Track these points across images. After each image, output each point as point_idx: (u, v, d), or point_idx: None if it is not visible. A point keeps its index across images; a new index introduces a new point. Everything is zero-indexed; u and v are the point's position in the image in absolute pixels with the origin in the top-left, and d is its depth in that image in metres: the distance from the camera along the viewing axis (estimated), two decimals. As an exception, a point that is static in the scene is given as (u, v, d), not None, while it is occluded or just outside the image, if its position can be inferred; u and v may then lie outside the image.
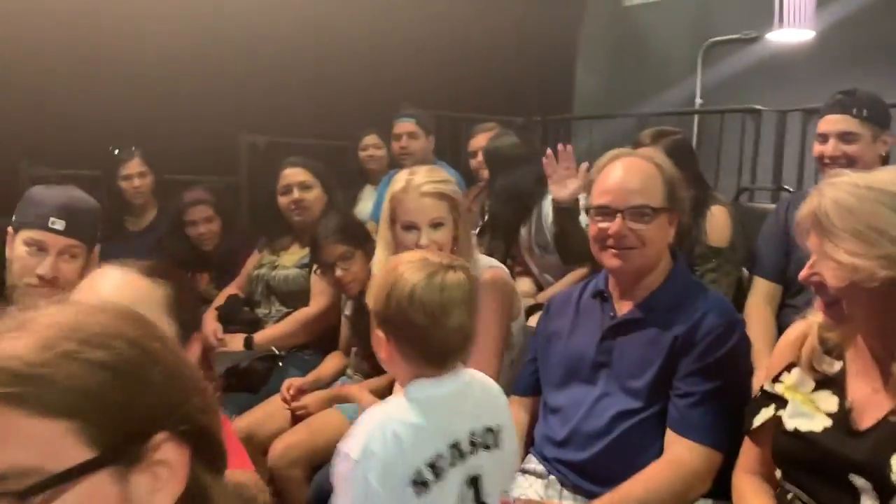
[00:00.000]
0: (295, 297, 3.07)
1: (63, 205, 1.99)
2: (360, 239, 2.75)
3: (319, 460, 2.40)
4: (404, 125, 3.99)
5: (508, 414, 1.58)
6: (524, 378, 2.10)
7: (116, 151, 3.62)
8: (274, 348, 2.95)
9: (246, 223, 3.44)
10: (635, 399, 1.80)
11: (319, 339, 3.00)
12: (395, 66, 5.04)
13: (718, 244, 2.63)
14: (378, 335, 1.44)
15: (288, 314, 3.05)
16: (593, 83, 6.39)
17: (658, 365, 1.79)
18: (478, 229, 3.28)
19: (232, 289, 3.30)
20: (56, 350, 0.70)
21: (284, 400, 2.67)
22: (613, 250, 1.85)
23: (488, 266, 2.28)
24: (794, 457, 1.49)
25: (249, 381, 2.85)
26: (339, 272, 2.70)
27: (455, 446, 1.43)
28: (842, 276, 1.33)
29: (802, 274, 1.42)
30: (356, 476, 1.32)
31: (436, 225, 2.16)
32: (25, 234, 1.99)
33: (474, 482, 1.45)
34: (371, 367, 2.68)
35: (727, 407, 1.72)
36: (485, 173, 3.59)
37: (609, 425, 1.80)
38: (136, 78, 4.22)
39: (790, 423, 1.50)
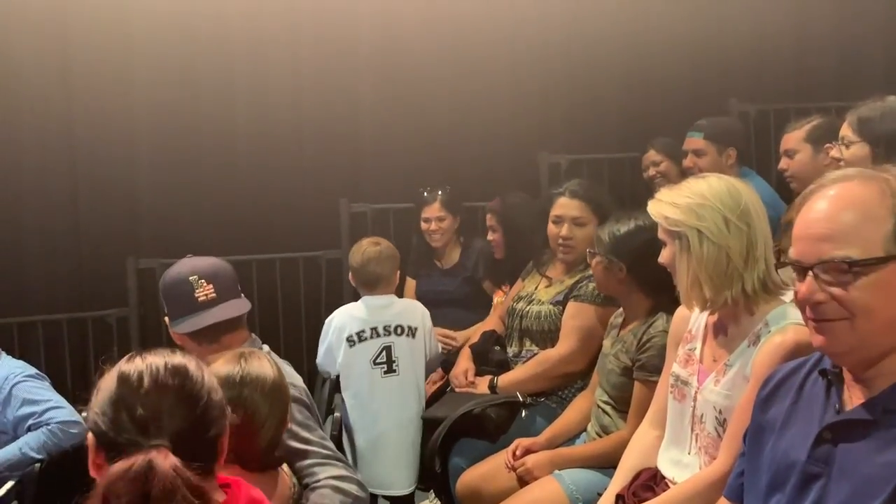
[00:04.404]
0: (547, 337, 2.80)
1: None
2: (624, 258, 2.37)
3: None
4: (690, 141, 3.43)
5: (424, 323, 3.04)
6: (732, 478, 1.58)
7: (425, 192, 3.75)
8: (518, 394, 2.72)
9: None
10: (853, 543, 1.21)
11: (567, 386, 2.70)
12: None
13: None
14: None
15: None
16: None
17: (883, 499, 1.18)
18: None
19: (491, 322, 3.16)
20: None
21: (508, 462, 2.44)
22: (813, 323, 1.31)
23: (792, 322, 1.75)
24: None
25: (483, 428, 2.66)
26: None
27: (374, 328, 2.95)
28: None
29: None
30: (326, 327, 3.04)
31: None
32: None
33: (387, 349, 2.94)
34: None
35: None
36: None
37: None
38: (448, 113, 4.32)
39: None
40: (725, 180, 1.89)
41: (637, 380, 2.26)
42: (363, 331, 2.95)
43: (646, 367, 2.23)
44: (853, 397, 1.32)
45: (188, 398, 1.20)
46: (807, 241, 1.29)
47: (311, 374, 3.63)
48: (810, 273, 1.27)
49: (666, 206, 1.89)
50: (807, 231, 1.29)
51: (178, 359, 1.24)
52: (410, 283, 3.79)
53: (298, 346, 3.96)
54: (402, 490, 2.93)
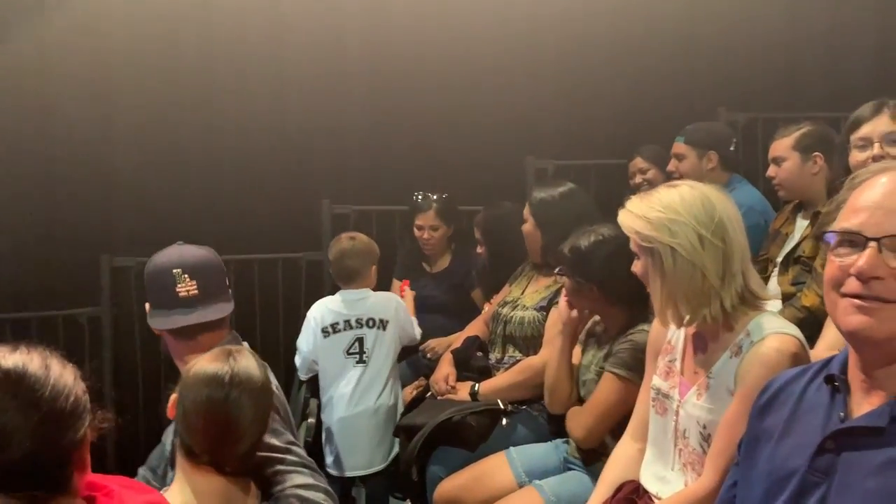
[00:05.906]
0: (530, 343, 2.74)
1: None
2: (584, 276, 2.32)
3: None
4: (674, 145, 3.41)
5: (396, 316, 3.15)
6: (725, 489, 1.50)
7: (420, 198, 3.64)
8: (500, 402, 2.64)
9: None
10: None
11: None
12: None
13: None
14: None
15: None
16: None
17: (890, 514, 1.11)
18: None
19: (475, 327, 3.09)
20: None
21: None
22: (857, 300, 1.21)
23: (775, 331, 1.69)
24: None
25: (462, 436, 2.58)
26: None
27: (347, 321, 3.10)
28: None
29: None
30: (307, 319, 3.16)
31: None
32: None
33: (360, 340, 3.09)
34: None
35: None
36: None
37: None
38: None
39: None
40: (699, 190, 1.80)
41: (605, 370, 2.19)
42: (337, 322, 3.10)
43: (615, 363, 2.17)
44: (860, 405, 1.25)
45: (21, 410, 1.01)
46: (876, 212, 1.20)
47: (287, 375, 3.54)
48: (872, 245, 1.18)
49: (636, 219, 1.79)
50: (878, 203, 1.21)
51: (14, 359, 1.05)
52: (397, 286, 3.70)
53: (276, 349, 3.87)
54: (371, 469, 3.05)
